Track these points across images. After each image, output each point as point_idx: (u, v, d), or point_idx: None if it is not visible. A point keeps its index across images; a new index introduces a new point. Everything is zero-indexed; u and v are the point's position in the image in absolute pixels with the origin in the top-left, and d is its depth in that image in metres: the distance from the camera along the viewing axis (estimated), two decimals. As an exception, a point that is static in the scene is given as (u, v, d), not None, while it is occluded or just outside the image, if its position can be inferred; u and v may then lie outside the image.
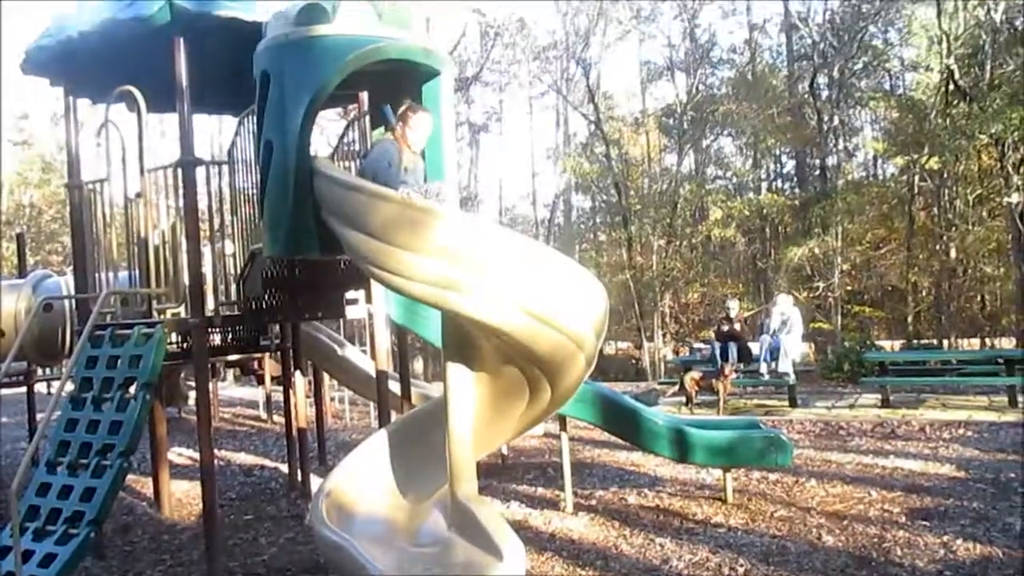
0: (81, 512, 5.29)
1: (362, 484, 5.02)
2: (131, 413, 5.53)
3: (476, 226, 4.22)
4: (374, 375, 10.63)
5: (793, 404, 11.97)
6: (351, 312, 6.44)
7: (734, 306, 12.73)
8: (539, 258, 4.15)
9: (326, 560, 4.86)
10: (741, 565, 5.34)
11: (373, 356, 7.28)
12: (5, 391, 12.88)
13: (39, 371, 11.40)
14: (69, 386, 6.01)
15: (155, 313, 6.35)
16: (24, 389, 11.22)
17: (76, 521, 5.27)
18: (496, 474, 8.28)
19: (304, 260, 5.30)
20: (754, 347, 12.32)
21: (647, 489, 7.53)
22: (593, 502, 7.21)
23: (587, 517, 6.70)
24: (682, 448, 6.53)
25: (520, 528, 4.75)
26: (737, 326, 12.33)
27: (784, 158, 29.21)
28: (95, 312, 5.56)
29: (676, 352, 23.65)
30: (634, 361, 25.44)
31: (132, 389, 5.65)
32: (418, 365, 24.80)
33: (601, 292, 4.42)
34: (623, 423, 6.66)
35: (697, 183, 26.59)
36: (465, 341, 4.57)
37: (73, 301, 7.62)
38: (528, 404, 4.90)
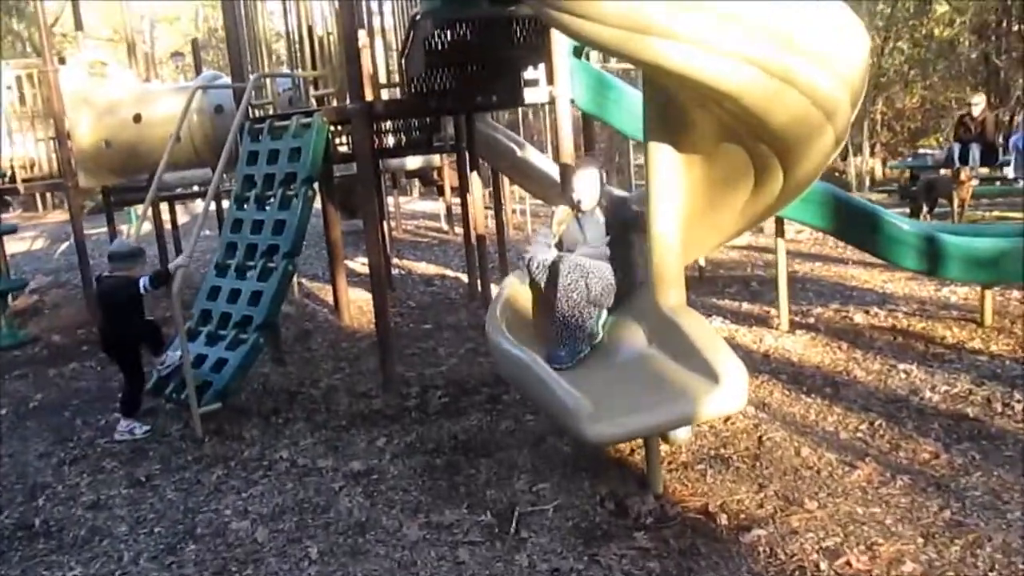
0: (249, 317, 4.95)
1: (546, 291, 4.27)
2: (293, 211, 5.03)
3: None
4: (557, 178, 9.88)
5: (1045, 216, 10.07)
6: (530, 96, 5.52)
7: (979, 101, 10.65)
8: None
9: (507, 378, 4.25)
10: (1018, 400, 4.24)
11: (556, 154, 6.38)
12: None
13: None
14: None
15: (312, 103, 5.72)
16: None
17: (245, 326, 4.95)
18: (692, 287, 7.31)
19: (471, 23, 4.37)
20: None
21: (876, 307, 6.39)
22: (811, 320, 6.21)
23: (806, 337, 5.72)
24: (933, 259, 5.28)
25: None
26: (982, 124, 10.33)
27: (1038, -70, 24.25)
28: (246, 97, 4.98)
29: (883, 161, 21.14)
30: (838, 174, 23.12)
31: (294, 186, 5.12)
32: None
33: (865, 39, 3.24)
34: (859, 228, 5.45)
35: (925, -34, 22.70)
36: (673, 112, 3.55)
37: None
38: (752, 195, 3.87)
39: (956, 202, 9.69)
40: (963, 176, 9.50)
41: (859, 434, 4.02)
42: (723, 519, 3.27)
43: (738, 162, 3.69)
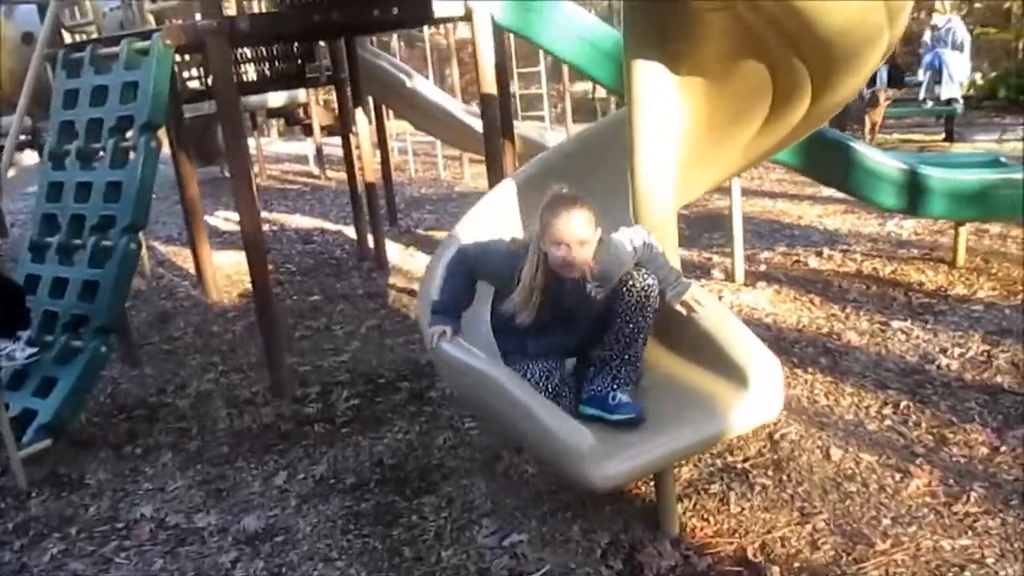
0: (83, 317, 3.68)
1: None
2: (133, 169, 3.74)
3: None
4: (454, 111, 8.71)
5: (950, 139, 9.79)
6: (441, 9, 4.38)
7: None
8: None
9: (458, 395, 3.23)
10: (1051, 363, 3.60)
11: (476, 78, 5.26)
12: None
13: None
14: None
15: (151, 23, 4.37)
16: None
17: (78, 328, 3.68)
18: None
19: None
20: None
21: (827, 248, 5.73)
22: (762, 268, 5.47)
23: (769, 290, 4.97)
24: (915, 197, 4.59)
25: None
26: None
27: None
28: (50, 13, 3.60)
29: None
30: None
31: (130, 135, 3.82)
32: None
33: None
34: (829, 163, 4.67)
35: None
36: (675, 18, 2.55)
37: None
38: (763, 128, 2.96)
39: (868, 125, 9.22)
40: (881, 98, 9.00)
41: (888, 422, 3.26)
42: (775, 574, 2.42)
43: (755, 85, 2.76)
